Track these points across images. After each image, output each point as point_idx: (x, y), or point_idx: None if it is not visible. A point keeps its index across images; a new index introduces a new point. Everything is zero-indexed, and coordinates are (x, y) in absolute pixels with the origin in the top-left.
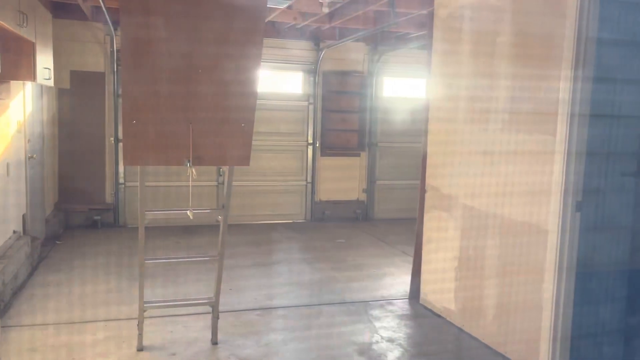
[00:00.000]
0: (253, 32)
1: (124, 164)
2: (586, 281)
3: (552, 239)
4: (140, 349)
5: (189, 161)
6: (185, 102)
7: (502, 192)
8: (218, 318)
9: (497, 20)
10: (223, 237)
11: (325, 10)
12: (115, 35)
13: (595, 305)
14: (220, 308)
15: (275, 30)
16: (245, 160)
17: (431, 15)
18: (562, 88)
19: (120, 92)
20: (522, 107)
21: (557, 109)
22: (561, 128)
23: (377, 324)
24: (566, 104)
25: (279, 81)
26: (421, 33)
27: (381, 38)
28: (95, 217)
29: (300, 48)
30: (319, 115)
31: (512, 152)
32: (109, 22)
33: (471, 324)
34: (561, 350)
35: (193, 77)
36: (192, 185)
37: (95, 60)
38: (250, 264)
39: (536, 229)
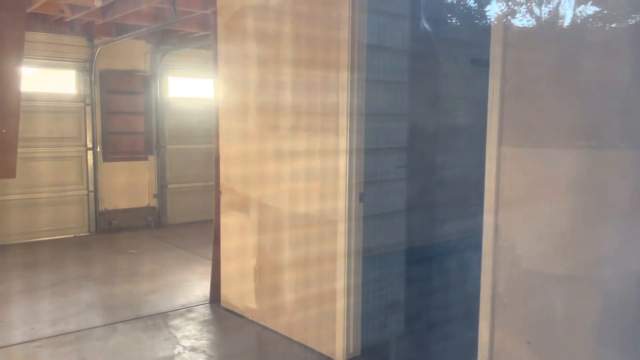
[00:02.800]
0: (11, 23)
1: None
2: (372, 263)
3: (341, 229)
4: None
5: None
6: None
7: (295, 189)
8: None
9: (280, 22)
10: None
11: (98, 3)
12: None
13: (379, 283)
14: None
15: (40, 23)
16: (9, 172)
17: (215, 15)
18: (341, 89)
19: None
20: (308, 107)
21: (338, 109)
22: (342, 127)
23: (179, 335)
24: (345, 105)
25: (49, 80)
26: (206, 33)
27: (164, 36)
28: None
29: (71, 44)
30: (99, 117)
31: (301, 151)
32: None
33: (273, 319)
34: (354, 329)
35: None
36: None
37: None
38: (26, 289)
39: (327, 221)
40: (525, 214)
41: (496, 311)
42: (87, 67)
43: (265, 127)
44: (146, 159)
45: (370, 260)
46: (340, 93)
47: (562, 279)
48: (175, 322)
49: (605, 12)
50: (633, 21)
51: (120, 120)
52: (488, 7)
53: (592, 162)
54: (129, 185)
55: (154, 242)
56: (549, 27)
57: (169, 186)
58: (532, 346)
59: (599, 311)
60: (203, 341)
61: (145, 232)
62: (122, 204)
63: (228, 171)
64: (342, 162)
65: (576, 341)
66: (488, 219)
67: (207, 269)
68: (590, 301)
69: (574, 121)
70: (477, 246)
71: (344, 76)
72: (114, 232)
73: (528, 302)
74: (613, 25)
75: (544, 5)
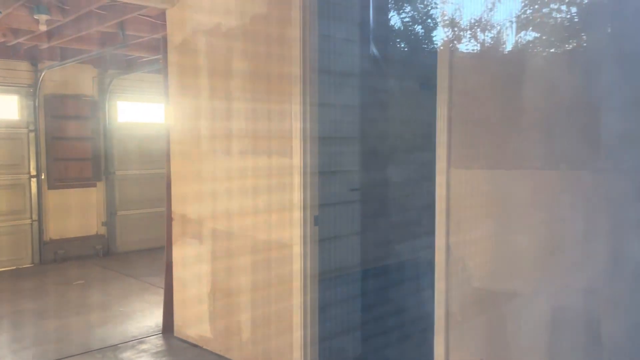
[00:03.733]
0: None
1: None
2: (328, 285)
3: (297, 252)
4: None
5: None
6: None
7: (249, 214)
8: None
9: (231, 47)
10: None
11: (43, 28)
12: None
13: (336, 306)
14: None
15: None
16: None
17: (165, 40)
18: (294, 113)
19: None
20: (262, 131)
21: (292, 133)
22: (296, 150)
23: None
24: (298, 128)
25: None
26: (155, 57)
27: (112, 61)
28: None
29: (13, 68)
30: (43, 143)
31: (255, 175)
32: None
33: (229, 347)
34: (311, 354)
35: None
36: None
37: None
38: None
39: (282, 245)
40: (475, 234)
41: (451, 330)
42: (30, 92)
43: (218, 152)
44: (94, 185)
45: (326, 282)
46: (292, 116)
47: (512, 296)
48: (127, 354)
49: (544, 37)
50: (570, 47)
51: (67, 146)
52: (435, 33)
53: (537, 182)
54: (76, 213)
55: (103, 272)
56: (492, 52)
57: (119, 213)
58: None
59: (549, 327)
60: None
61: (94, 262)
62: (69, 232)
63: (180, 197)
64: (297, 186)
65: (528, 357)
66: (440, 239)
67: (160, 298)
68: (540, 317)
69: (518, 143)
70: (432, 265)
71: (296, 100)
72: (60, 263)
73: (481, 320)
74: (551, 51)
75: (487, 31)
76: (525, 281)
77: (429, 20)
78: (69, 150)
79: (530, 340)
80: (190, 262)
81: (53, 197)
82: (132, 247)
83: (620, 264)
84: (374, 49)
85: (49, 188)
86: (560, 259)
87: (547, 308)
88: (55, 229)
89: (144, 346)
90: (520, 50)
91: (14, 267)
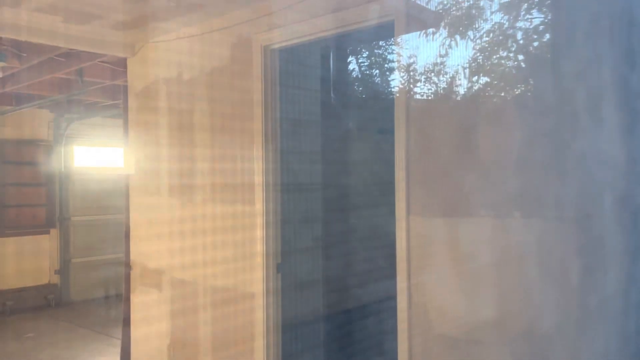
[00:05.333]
0: None
1: None
2: (292, 335)
3: (259, 301)
4: None
5: None
6: None
7: (210, 262)
8: None
9: (193, 95)
10: None
11: None
12: None
13: (300, 356)
14: None
15: None
16: None
17: (125, 87)
18: (256, 160)
19: None
20: (223, 179)
21: (254, 181)
22: (258, 198)
23: None
24: (260, 175)
25: None
26: (115, 102)
27: (69, 105)
28: None
29: None
30: None
31: (217, 223)
32: None
33: None
34: None
35: None
36: None
37: None
38: None
39: (244, 294)
40: (434, 280)
41: None
42: None
43: (179, 199)
44: (47, 232)
45: (290, 331)
46: (255, 163)
47: (472, 343)
48: None
49: (495, 82)
50: (518, 91)
51: (19, 192)
52: (392, 78)
53: (496, 229)
54: (27, 262)
55: (56, 323)
56: (447, 96)
57: (73, 260)
58: None
59: None
60: None
61: (46, 313)
62: (18, 282)
63: (139, 245)
64: (259, 233)
65: None
66: (401, 285)
67: (116, 350)
68: None
69: (474, 189)
70: (395, 310)
71: (259, 147)
72: (8, 315)
73: None
74: (501, 95)
75: (442, 75)
76: (483, 326)
77: (386, 65)
78: (21, 196)
79: None
80: (149, 312)
81: (1, 245)
82: (87, 296)
83: (569, 306)
84: (334, 96)
85: None
86: (514, 303)
87: (505, 354)
88: (3, 278)
89: None
90: (474, 95)
91: None
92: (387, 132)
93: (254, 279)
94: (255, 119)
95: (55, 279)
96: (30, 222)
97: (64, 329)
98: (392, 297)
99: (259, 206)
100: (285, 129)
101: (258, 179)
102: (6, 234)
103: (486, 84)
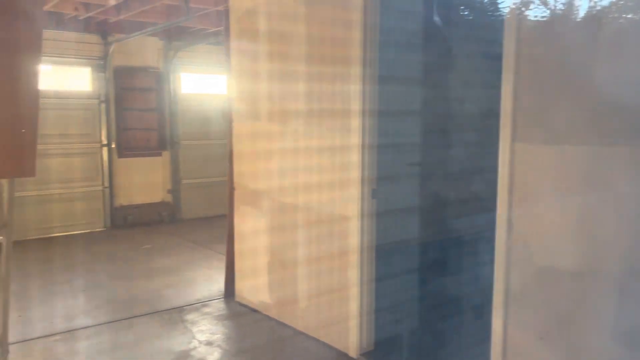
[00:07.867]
0: (29, 22)
1: None
2: (385, 258)
3: (354, 225)
4: None
5: None
6: None
7: (308, 186)
8: (8, 352)
9: (293, 19)
10: (7, 262)
11: (112, 1)
12: None
13: (393, 278)
14: (11, 339)
15: (55, 21)
16: (29, 170)
17: (227, 12)
18: (353, 84)
19: None
20: (321, 103)
21: (351, 106)
22: (355, 124)
23: (194, 329)
24: (358, 101)
25: (64, 78)
26: (218, 29)
27: (176, 33)
28: None
29: (86, 42)
30: (113, 114)
31: (315, 147)
32: None
33: (287, 314)
34: (367, 324)
35: None
36: None
37: None
38: (43, 284)
39: (340, 217)
40: (538, 210)
41: (509, 307)
42: (101, 64)
43: (278, 124)
44: (160, 154)
45: (383, 255)
46: (352, 87)
47: (575, 275)
48: (191, 316)
49: (621, 2)
50: None
51: (134, 117)
52: (501, 0)
53: (604, 158)
54: (144, 181)
55: (169, 238)
56: (563, 19)
57: (183, 181)
58: (545, 342)
59: (611, 307)
60: (218, 335)
61: (160, 228)
62: (137, 199)
63: (241, 168)
64: (355, 158)
65: (589, 337)
66: (501, 215)
67: (222, 264)
68: (602, 297)
69: (586, 117)
70: (491, 241)
71: (357, 71)
72: (129, 228)
73: (541, 298)
74: (629, 16)
75: None
76: (589, 259)
77: None
78: (136, 120)
79: (591, 321)
80: (251, 230)
81: (122, 165)
82: (196, 215)
83: None
84: (437, 18)
85: (118, 157)
86: (623, 238)
87: (609, 288)
88: (125, 196)
89: (207, 309)
90: (594, 17)
91: (88, 231)
92: (495, 57)
93: (349, 203)
94: (354, 41)
95: (168, 198)
96: (144, 145)
97: (175, 242)
98: (490, 228)
99: (356, 131)
100: (384, 51)
101: (355, 102)
102: (124, 155)
103: (611, 3)
